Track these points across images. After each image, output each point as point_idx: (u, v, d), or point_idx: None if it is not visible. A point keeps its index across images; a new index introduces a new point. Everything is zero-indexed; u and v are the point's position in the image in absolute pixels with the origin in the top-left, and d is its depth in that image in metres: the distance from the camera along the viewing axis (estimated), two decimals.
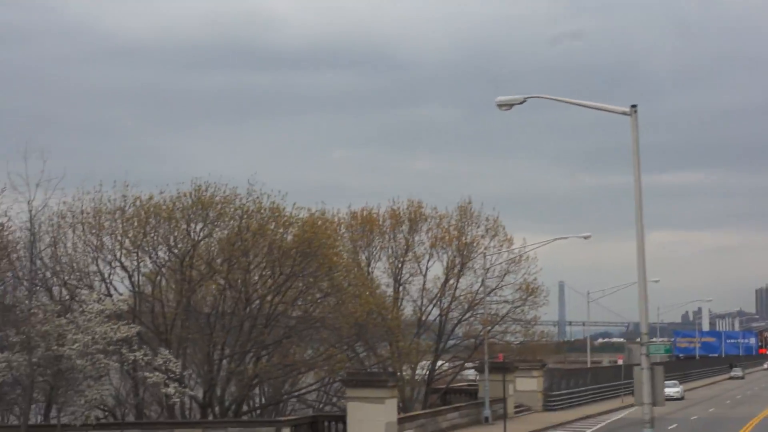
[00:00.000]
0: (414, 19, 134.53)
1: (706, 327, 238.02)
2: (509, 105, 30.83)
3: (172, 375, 36.62)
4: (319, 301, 47.78)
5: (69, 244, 44.19)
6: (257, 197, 45.00)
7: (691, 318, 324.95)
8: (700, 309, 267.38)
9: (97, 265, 43.47)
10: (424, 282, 60.18)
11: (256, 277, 45.66)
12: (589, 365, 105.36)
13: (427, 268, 60.00)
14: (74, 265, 43.36)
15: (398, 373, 53.60)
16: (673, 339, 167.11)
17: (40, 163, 34.59)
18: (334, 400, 54.14)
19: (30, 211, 35.75)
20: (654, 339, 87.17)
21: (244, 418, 45.85)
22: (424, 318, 61.00)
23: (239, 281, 45.21)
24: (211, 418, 44.18)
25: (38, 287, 38.90)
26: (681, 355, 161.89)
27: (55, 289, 42.87)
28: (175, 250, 44.74)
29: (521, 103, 30.66)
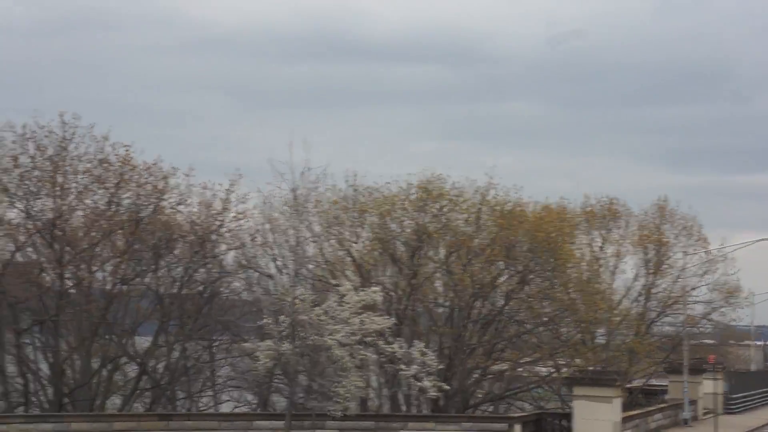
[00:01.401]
0: (503, 15, 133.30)
1: None
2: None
3: (427, 369, 36.62)
4: (549, 298, 47.16)
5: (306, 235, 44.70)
6: (485, 191, 44.70)
7: None
8: None
9: (351, 256, 43.81)
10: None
11: (489, 274, 45.24)
12: None
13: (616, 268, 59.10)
14: (323, 255, 43.97)
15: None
16: None
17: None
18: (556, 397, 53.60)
19: (295, 197, 36.28)
20: None
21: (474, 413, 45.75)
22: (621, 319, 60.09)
23: (470, 277, 44.89)
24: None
25: (300, 278, 39.50)
26: None
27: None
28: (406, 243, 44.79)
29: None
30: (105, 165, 40.12)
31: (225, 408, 46.90)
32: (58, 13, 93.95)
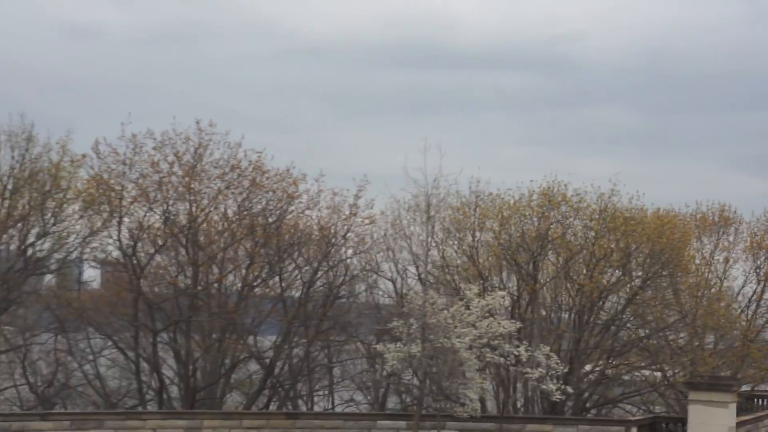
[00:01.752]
0: (592, 23, 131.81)
1: None
2: None
3: (552, 372, 37.13)
4: (668, 303, 47.35)
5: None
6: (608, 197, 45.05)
7: None
8: None
9: (473, 260, 44.55)
10: None
11: (609, 279, 45.60)
12: None
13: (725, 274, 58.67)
14: (444, 259, 44.82)
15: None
16: None
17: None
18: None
19: (428, 203, 37.10)
20: None
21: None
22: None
23: (591, 281, 45.29)
24: None
25: (426, 282, 40.40)
26: None
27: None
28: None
29: None
30: (237, 171, 41.48)
31: (337, 407, 48.21)
32: (164, 24, 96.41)
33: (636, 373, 49.14)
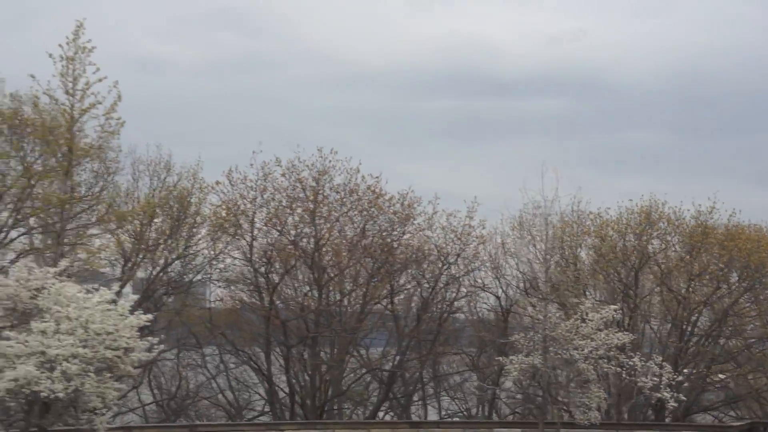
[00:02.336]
0: (626, 49, 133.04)
1: None
2: None
3: (665, 380, 39.31)
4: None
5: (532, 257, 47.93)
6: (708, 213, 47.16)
7: None
8: None
9: (575, 275, 46.82)
10: None
11: (708, 291, 47.62)
12: None
13: None
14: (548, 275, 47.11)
15: None
16: None
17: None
18: None
19: (547, 223, 39.50)
20: None
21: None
22: None
23: (692, 294, 47.35)
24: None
25: (543, 297, 42.71)
26: None
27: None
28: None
29: None
30: (356, 194, 44.19)
31: (433, 416, 50.60)
32: (228, 55, 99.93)
33: (729, 381, 51.07)
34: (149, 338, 25.86)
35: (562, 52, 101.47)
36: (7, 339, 24.72)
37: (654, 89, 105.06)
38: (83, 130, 29.20)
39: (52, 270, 25.88)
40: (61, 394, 23.99)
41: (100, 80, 29.27)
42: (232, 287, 46.88)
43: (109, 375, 25.32)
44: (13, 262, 37.98)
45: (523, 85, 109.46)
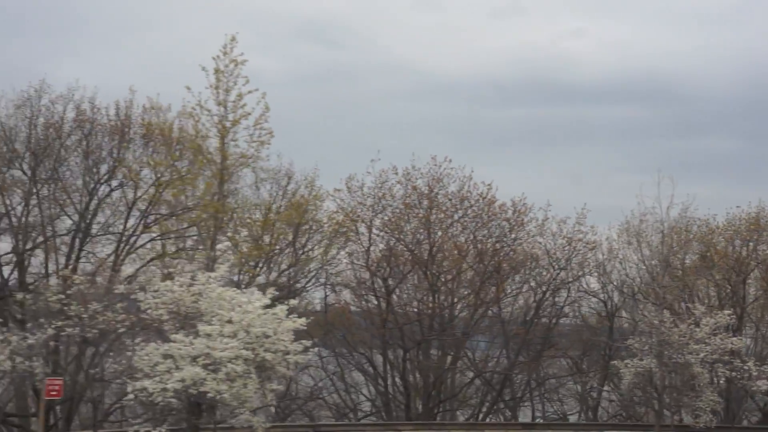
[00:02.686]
0: (696, 57, 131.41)
1: None
2: None
3: None
4: None
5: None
6: None
7: None
8: None
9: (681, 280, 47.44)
10: None
11: None
12: None
13: None
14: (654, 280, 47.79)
15: None
16: None
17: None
18: None
19: (663, 232, 40.25)
20: None
21: None
22: None
23: None
24: None
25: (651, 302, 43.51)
26: None
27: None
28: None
29: None
30: (467, 202, 45.35)
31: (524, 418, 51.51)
32: (310, 67, 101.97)
33: None
34: (302, 341, 27.20)
35: (633, 60, 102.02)
36: (173, 341, 26.22)
37: (724, 96, 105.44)
38: (236, 140, 30.67)
39: (213, 275, 27.36)
40: (226, 395, 25.43)
41: (250, 92, 30.73)
42: (359, 291, 47.92)
43: (266, 376, 26.74)
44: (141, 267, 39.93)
45: (594, 93, 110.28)
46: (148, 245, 41.28)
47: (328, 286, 48.51)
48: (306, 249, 45.72)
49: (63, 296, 26.95)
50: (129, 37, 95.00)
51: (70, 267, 38.20)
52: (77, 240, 39.16)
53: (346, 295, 49.33)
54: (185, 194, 39.19)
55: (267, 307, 27.01)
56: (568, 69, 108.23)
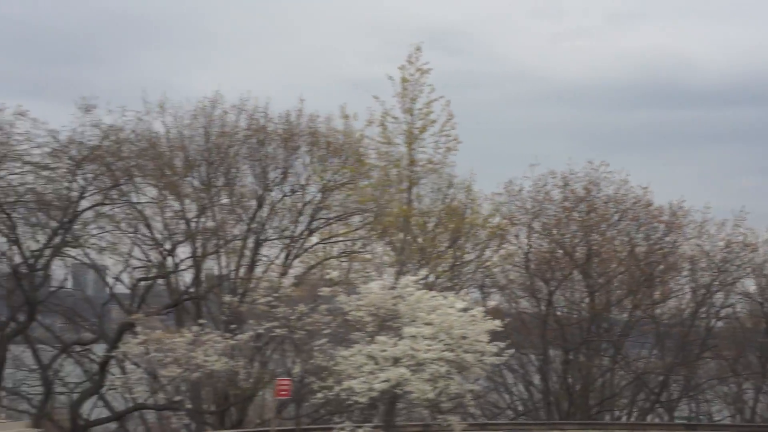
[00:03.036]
0: None
1: None
2: None
3: None
4: None
5: None
6: None
7: None
8: None
9: None
10: None
11: None
12: None
13: None
14: None
15: None
16: None
17: None
18: None
19: None
20: None
21: None
22: None
23: None
24: None
25: None
26: None
27: None
28: None
29: None
30: (623, 205, 45.63)
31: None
32: (433, 76, 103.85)
33: None
34: (497, 343, 27.95)
35: (757, 62, 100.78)
36: (372, 344, 27.22)
37: None
38: (424, 147, 31.58)
39: (412, 279, 28.34)
40: (430, 395, 26.34)
41: (435, 100, 31.64)
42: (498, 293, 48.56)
43: (465, 377, 27.60)
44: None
45: (717, 95, 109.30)
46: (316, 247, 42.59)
47: (485, 288, 49.18)
48: (463, 252, 46.42)
49: (271, 299, 28.10)
50: (259, 49, 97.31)
51: (245, 270, 39.76)
52: (251, 244, 40.49)
53: (496, 297, 49.93)
54: (352, 198, 40.61)
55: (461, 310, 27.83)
56: (689, 71, 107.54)
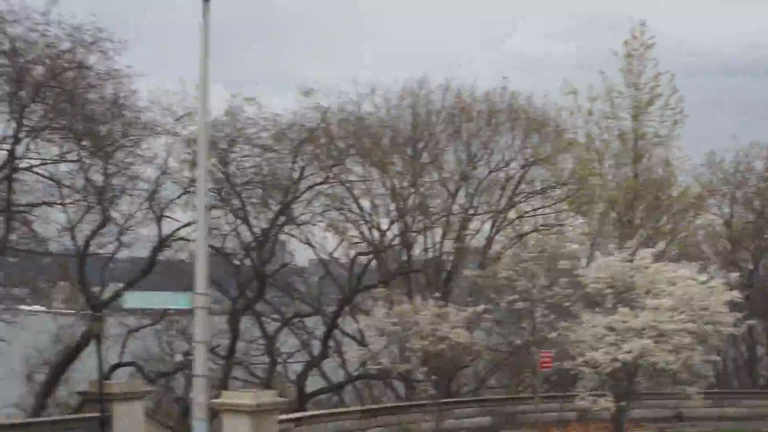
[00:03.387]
0: None
1: None
2: None
3: None
4: None
5: None
6: None
7: None
8: None
9: None
10: None
11: None
12: None
13: None
14: None
15: None
16: None
17: None
18: None
19: None
20: None
21: None
22: None
23: None
24: None
25: None
26: None
27: None
28: None
29: None
30: None
31: None
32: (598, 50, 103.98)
33: None
34: (735, 313, 28.47)
35: None
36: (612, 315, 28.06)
37: None
38: (651, 120, 32.10)
39: (650, 251, 29.07)
40: (674, 366, 27.08)
41: (660, 74, 32.14)
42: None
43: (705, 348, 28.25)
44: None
45: None
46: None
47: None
48: (660, 224, 46.68)
49: (513, 272, 29.19)
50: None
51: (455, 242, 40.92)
52: (461, 218, 41.59)
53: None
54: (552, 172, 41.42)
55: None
56: None
